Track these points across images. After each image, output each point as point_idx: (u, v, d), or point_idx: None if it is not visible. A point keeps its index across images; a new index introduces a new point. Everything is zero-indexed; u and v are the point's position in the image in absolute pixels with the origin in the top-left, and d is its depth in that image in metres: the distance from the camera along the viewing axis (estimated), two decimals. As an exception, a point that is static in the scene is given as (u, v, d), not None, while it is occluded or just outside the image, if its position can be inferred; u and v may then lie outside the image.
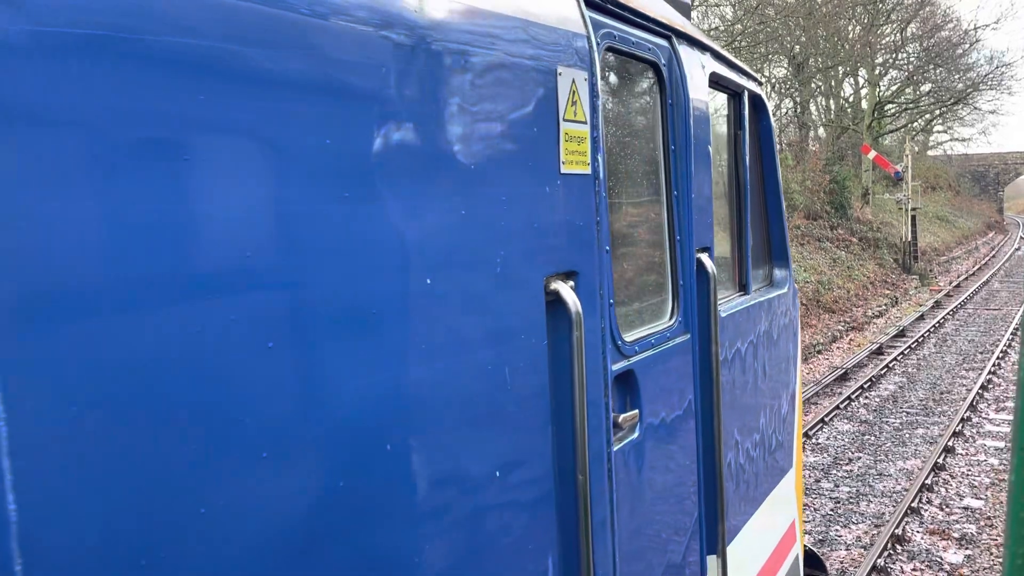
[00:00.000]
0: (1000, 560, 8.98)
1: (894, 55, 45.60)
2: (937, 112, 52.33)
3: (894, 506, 10.23)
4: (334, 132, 1.66)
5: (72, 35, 1.22)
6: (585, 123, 2.52)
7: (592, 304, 2.54)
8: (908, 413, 14.56)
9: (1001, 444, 12.83)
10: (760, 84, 4.81)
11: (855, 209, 34.89)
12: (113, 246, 1.29)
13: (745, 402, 4.10)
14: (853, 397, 15.25)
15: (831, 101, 46.16)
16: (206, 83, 1.41)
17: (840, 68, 41.91)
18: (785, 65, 38.61)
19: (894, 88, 47.45)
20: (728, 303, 3.91)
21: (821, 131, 45.41)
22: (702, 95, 3.55)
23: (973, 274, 36.59)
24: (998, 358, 18.37)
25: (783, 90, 38.34)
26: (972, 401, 14.81)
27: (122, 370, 1.29)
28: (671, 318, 3.28)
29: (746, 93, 4.33)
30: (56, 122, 1.23)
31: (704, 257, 3.46)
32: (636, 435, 2.88)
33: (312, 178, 1.61)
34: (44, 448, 1.19)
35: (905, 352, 19.25)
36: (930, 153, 64.89)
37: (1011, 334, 21.05)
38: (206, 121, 1.42)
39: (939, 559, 9.02)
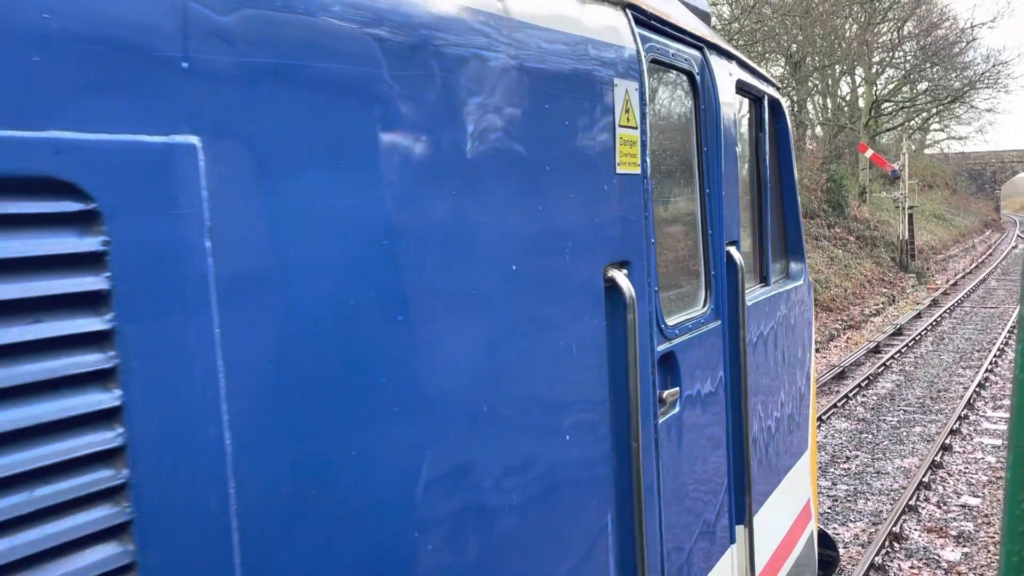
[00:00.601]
0: (997, 557, 9.00)
1: (891, 53, 45.61)
2: (934, 110, 52.36)
3: (892, 504, 10.25)
4: (454, 141, 2.04)
5: (267, 63, 1.57)
6: (636, 128, 2.84)
7: (642, 291, 2.84)
8: (906, 411, 14.58)
9: (998, 442, 12.85)
10: (778, 89, 5.07)
11: (852, 207, 34.92)
12: (307, 235, 1.64)
13: (768, 385, 4.41)
14: (851, 395, 15.28)
15: (828, 100, 46.21)
16: (368, 104, 1.80)
17: (837, 67, 41.95)
18: (782, 64, 38.63)
19: (891, 87, 47.47)
20: (751, 293, 4.18)
21: (818, 130, 45.47)
22: (730, 100, 3.88)
23: (970, 272, 36.65)
24: (995, 356, 18.39)
25: (780, 89, 38.32)
26: (969, 399, 14.83)
27: (304, 335, 1.64)
28: (704, 305, 3.60)
29: (766, 98, 4.68)
30: (267, 136, 1.56)
31: (732, 250, 3.79)
32: (677, 410, 3.21)
33: (434, 178, 1.97)
34: (250, 397, 1.52)
35: (902, 350, 19.28)
36: (927, 151, 64.94)
37: (1008, 332, 21.09)
38: (368, 135, 1.80)
39: (937, 557, 9.03)
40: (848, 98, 46.67)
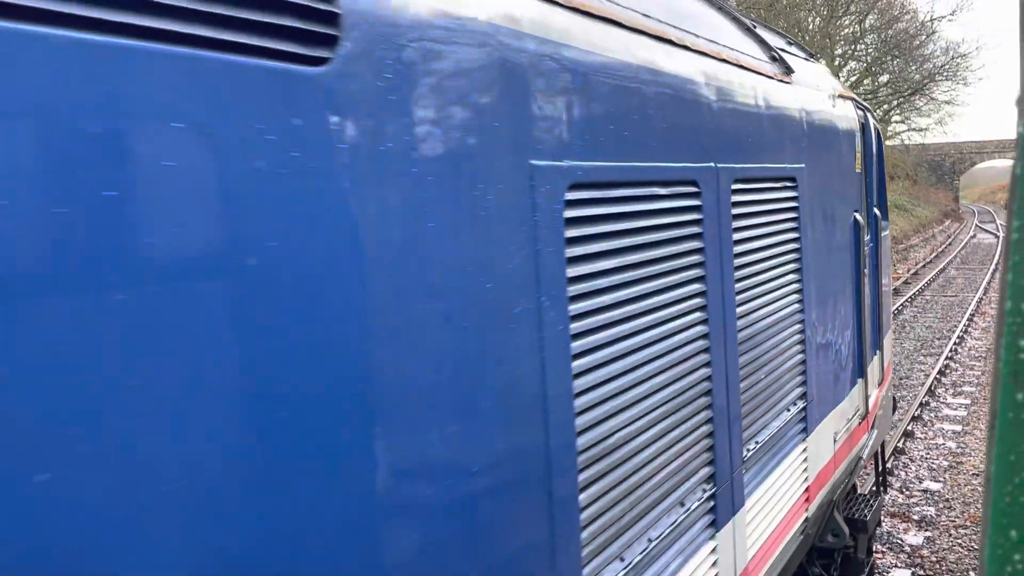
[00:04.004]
0: (959, 541, 9.20)
1: (853, 46, 46.20)
2: (895, 102, 53.13)
3: (856, 490, 10.42)
4: (824, 163, 5.41)
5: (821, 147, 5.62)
6: (860, 152, 6.43)
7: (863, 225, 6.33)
8: (869, 399, 14.81)
9: (958, 428, 13.12)
10: (878, 121, 9.45)
11: (816, 198, 35.29)
12: (824, 206, 5.49)
13: (884, 278, 8.14)
14: (815, 384, 15.45)
15: (792, 92, 46.55)
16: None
17: (800, 59, 42.31)
18: (747, 56, 38.86)
19: (853, 79, 48.05)
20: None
21: (782, 121, 45.78)
22: (872, 133, 7.42)
23: (930, 262, 37.25)
24: (955, 344, 18.75)
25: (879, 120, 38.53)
26: (930, 386, 15.13)
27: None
28: (869, 236, 6.89)
29: (875, 127, 8.07)
30: None
31: (876, 210, 7.45)
32: (867, 277, 6.65)
33: (832, 178, 5.65)
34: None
35: (865, 339, 19.54)
36: (888, 143, 65.72)
37: (967, 320, 21.49)
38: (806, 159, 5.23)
39: (900, 541, 9.22)
40: (811, 90, 47.07)
